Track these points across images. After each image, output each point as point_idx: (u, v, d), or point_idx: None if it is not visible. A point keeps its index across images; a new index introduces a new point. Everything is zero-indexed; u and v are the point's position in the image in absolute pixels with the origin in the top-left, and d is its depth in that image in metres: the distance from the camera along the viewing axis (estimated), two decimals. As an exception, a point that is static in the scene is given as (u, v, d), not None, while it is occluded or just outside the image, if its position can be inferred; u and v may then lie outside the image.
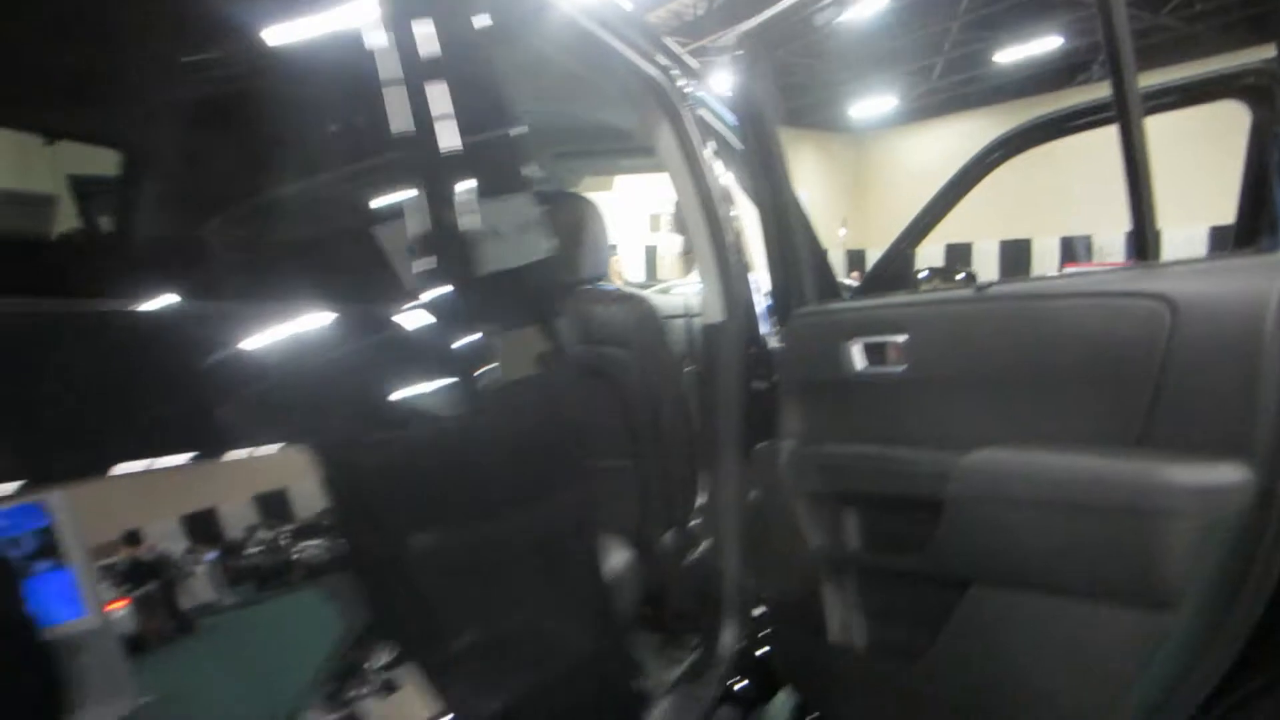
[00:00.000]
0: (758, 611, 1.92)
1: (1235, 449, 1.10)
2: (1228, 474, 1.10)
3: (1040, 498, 1.27)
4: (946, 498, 1.38)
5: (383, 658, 0.92)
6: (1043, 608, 1.29)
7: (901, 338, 1.51)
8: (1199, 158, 8.71)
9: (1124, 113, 1.26)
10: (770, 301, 1.91)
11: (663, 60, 1.81)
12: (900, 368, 1.51)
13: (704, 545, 2.04)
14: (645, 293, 2.72)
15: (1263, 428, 1.09)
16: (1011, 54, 14.78)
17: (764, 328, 1.96)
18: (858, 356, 1.58)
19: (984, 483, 1.34)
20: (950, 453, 1.37)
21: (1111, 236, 14.27)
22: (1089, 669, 1.23)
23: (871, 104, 17.29)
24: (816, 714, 1.87)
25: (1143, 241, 1.32)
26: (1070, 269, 11.50)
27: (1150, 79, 1.48)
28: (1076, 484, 1.23)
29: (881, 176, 19.92)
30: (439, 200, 1.11)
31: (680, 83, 1.86)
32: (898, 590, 1.55)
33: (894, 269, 2.03)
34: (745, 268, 1.97)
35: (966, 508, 1.36)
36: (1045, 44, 13.94)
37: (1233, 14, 14.74)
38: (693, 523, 2.12)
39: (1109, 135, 1.37)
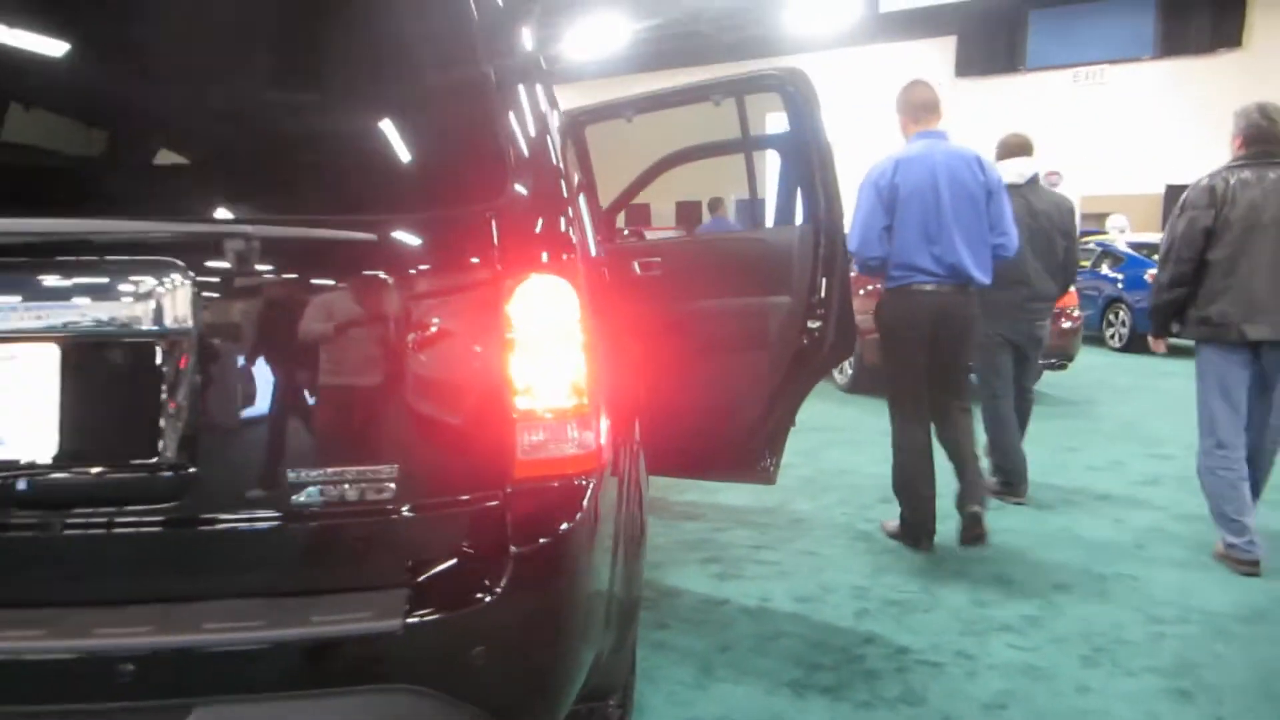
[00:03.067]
0: None
1: (784, 288, 3.08)
2: (785, 300, 3.08)
3: (723, 314, 3.16)
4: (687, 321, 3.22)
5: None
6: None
7: (658, 258, 3.31)
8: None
9: (748, 152, 3.21)
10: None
11: None
12: (659, 272, 3.30)
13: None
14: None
15: (794, 279, 3.06)
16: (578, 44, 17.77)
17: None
18: (637, 268, 3.35)
19: (695, 312, 3.19)
20: (684, 303, 3.21)
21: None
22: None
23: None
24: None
25: (759, 222, 3.29)
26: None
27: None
28: (738, 310, 3.14)
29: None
30: None
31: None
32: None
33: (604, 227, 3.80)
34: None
35: (698, 322, 3.20)
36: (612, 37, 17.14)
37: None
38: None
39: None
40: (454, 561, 1.42)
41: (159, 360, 1.34)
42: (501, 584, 1.37)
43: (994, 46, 18.76)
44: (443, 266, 1.43)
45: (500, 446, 1.43)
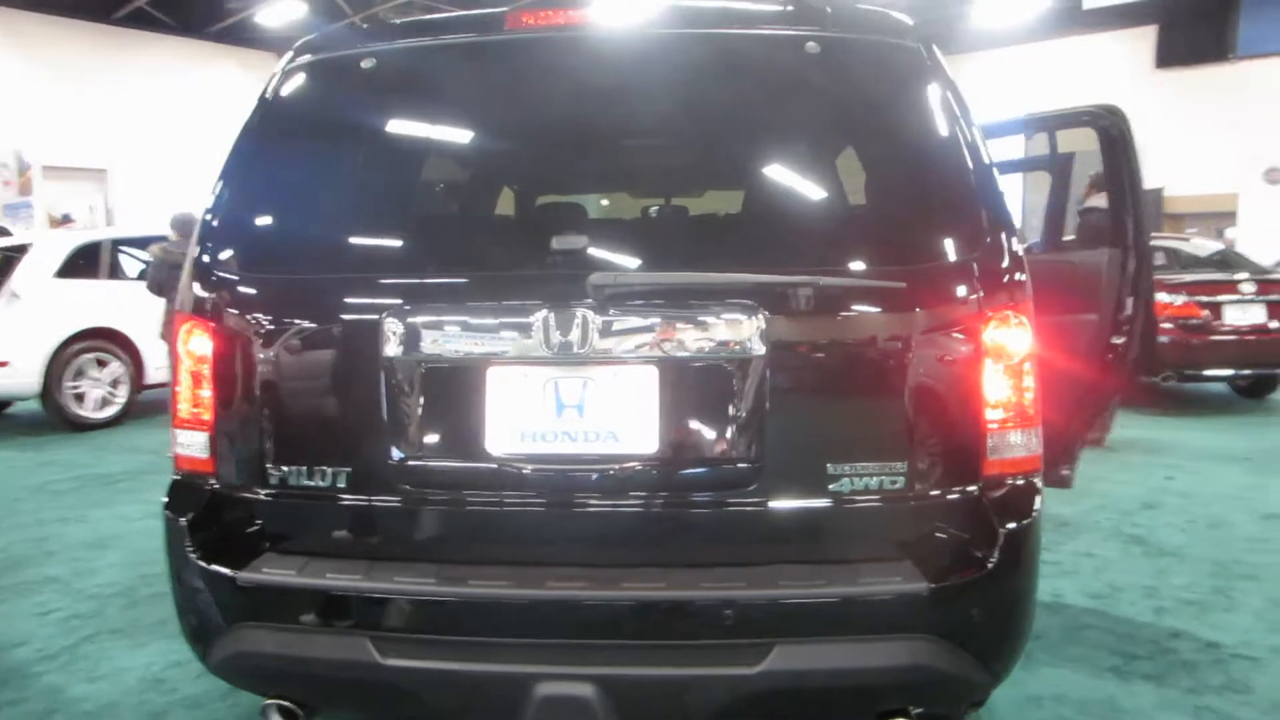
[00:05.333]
0: None
1: (1091, 307, 3.32)
2: (1092, 317, 3.33)
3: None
4: None
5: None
6: None
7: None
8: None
9: (1055, 173, 3.49)
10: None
11: None
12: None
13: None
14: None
15: (1102, 299, 3.31)
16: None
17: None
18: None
19: None
20: None
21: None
22: None
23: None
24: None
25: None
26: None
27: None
28: (1048, 326, 3.42)
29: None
30: None
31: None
32: None
33: None
34: None
35: None
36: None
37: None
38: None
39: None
40: (951, 538, 1.81)
41: (734, 379, 1.78)
42: (994, 557, 1.75)
43: (1200, 34, 17.67)
44: (943, 306, 1.82)
45: (975, 449, 1.81)
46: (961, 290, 1.82)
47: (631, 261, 1.87)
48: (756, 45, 2.00)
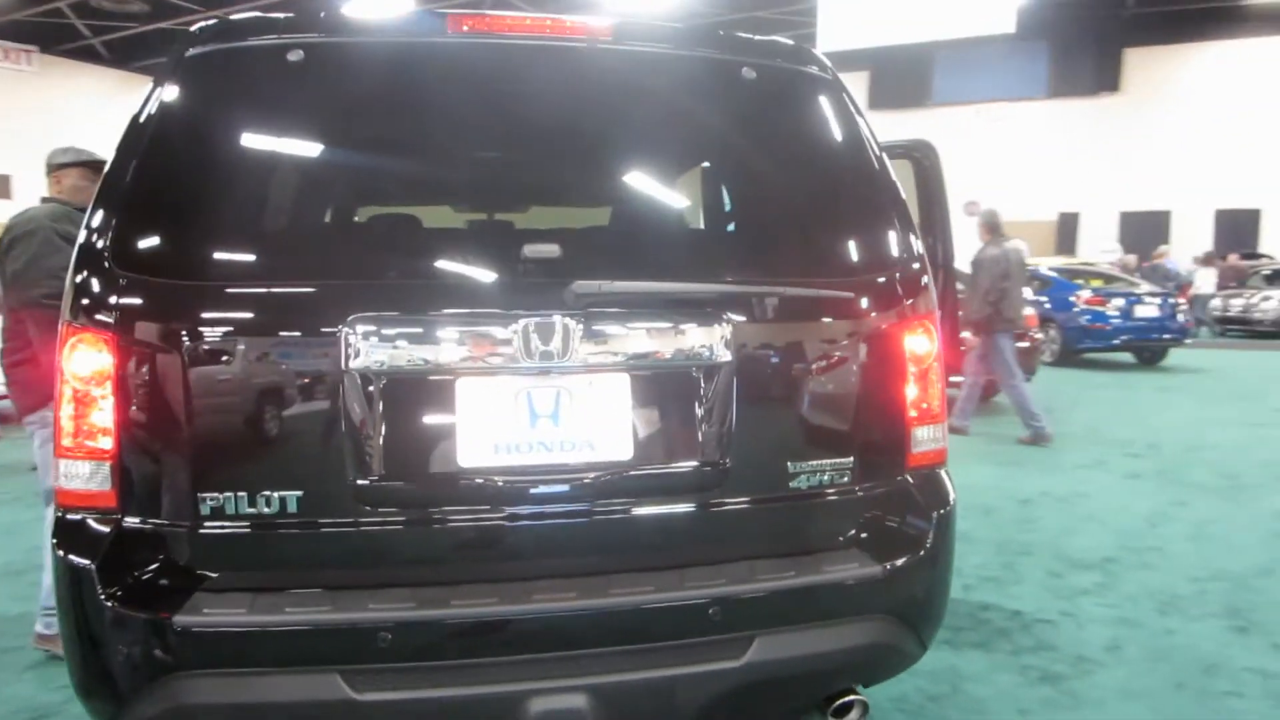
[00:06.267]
0: None
1: None
2: None
3: None
4: None
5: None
6: None
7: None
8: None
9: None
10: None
11: None
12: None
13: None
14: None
15: None
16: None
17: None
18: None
19: None
20: None
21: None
22: None
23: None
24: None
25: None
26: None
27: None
28: None
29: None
30: None
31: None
32: None
33: None
34: None
35: None
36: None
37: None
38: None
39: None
40: (891, 525, 1.98)
41: (703, 384, 1.84)
42: (929, 540, 1.95)
43: (904, 82, 20.32)
44: (877, 315, 1.99)
45: (903, 444, 2.01)
46: (890, 302, 2.01)
47: (606, 270, 1.86)
48: (719, 71, 2.09)
